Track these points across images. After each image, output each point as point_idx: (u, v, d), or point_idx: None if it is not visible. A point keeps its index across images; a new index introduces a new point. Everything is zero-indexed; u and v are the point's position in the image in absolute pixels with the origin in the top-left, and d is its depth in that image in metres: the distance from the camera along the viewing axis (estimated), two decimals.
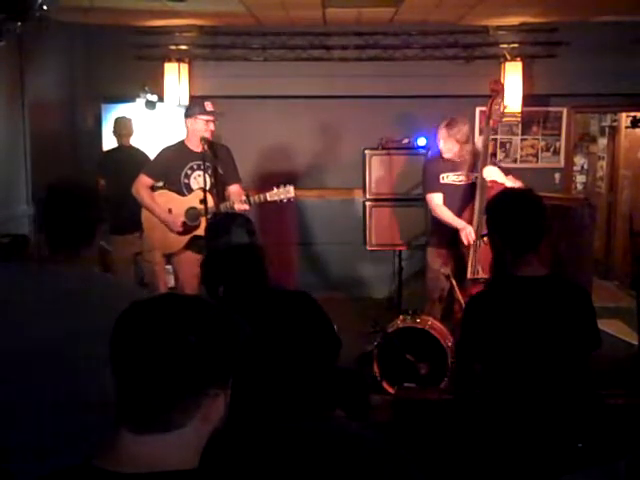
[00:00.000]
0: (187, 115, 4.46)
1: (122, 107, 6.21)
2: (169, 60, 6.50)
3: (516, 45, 6.47)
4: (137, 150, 5.58)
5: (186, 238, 4.43)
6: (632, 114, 7.06)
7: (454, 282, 4.18)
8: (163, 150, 4.57)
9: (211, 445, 1.13)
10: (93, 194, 2.14)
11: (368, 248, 5.89)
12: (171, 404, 1.08)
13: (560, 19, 6.21)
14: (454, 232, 4.39)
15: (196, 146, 4.39)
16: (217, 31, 6.56)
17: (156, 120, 6.28)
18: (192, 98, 4.53)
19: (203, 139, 4.29)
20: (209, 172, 4.32)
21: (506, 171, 4.44)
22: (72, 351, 1.90)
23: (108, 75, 6.42)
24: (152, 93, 6.04)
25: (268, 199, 4.28)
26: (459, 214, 4.45)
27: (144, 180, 4.47)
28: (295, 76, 6.51)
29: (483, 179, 4.26)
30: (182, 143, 4.51)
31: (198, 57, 6.62)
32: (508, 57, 6.41)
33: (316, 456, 0.95)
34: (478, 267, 4.17)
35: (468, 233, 4.26)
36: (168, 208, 4.45)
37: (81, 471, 1.09)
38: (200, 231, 4.30)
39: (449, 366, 4.17)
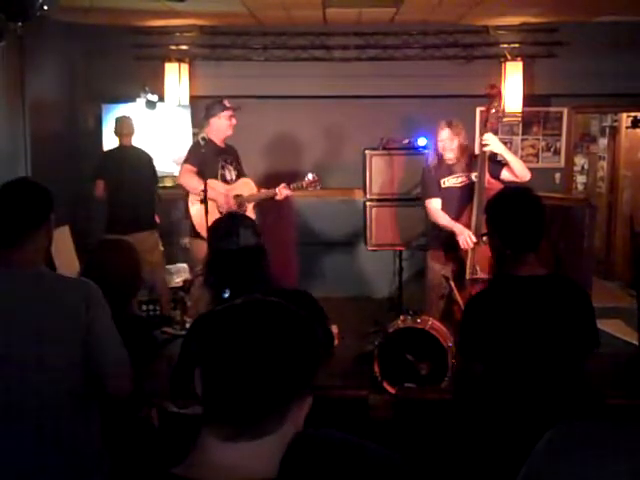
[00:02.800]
0: (210, 115, 4.72)
1: (122, 107, 6.21)
2: (169, 60, 6.51)
3: (516, 45, 6.47)
4: (138, 150, 5.57)
5: None
6: (632, 114, 7.06)
7: (453, 284, 4.17)
8: (195, 143, 4.76)
9: (289, 457, 1.11)
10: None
11: (368, 248, 5.89)
12: (266, 412, 1.06)
13: (560, 19, 6.21)
14: (453, 234, 4.38)
15: (220, 140, 4.76)
16: (217, 31, 6.56)
17: (156, 120, 6.28)
18: (214, 100, 4.78)
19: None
20: (234, 165, 4.82)
21: (503, 164, 4.44)
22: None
23: (108, 75, 6.42)
24: (152, 93, 6.03)
25: (304, 186, 4.81)
26: (458, 215, 4.45)
27: (189, 167, 4.64)
28: (295, 76, 6.51)
29: (481, 181, 4.26)
30: (208, 139, 4.64)
31: (198, 57, 6.63)
32: (508, 57, 6.41)
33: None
34: (476, 267, 4.16)
35: (467, 237, 4.25)
36: (227, 194, 4.73)
37: (157, 478, 1.08)
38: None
39: (449, 366, 4.17)
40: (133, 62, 6.45)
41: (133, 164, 5.41)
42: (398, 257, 5.70)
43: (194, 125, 6.35)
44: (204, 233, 4.52)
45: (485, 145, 4.28)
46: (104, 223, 5.49)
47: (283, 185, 4.78)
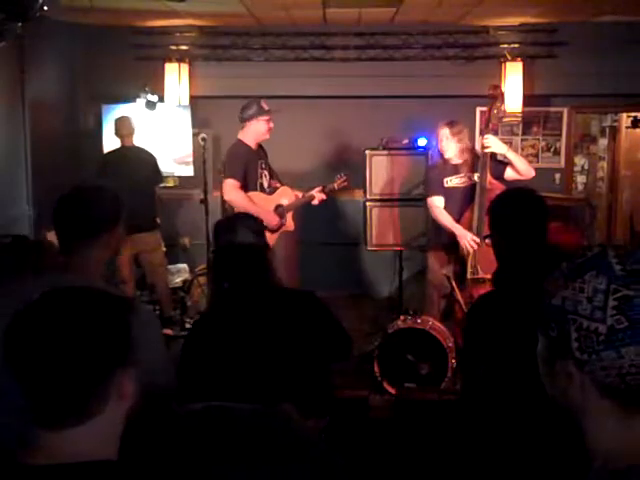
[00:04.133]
0: (248, 117, 4.52)
1: (122, 107, 6.21)
2: (169, 60, 6.51)
3: (516, 45, 6.47)
4: (140, 150, 5.55)
5: (277, 235, 4.57)
6: (632, 114, 7.06)
7: (454, 284, 4.17)
8: (234, 152, 4.54)
9: (130, 434, 1.13)
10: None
11: (368, 248, 5.89)
12: (80, 396, 1.07)
13: (560, 19, 6.21)
14: (454, 234, 4.38)
15: (255, 143, 4.59)
16: (217, 31, 6.56)
17: (156, 120, 6.28)
18: (250, 100, 4.63)
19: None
20: (267, 168, 4.66)
21: (505, 163, 4.44)
22: None
23: (108, 75, 6.42)
24: (152, 93, 6.03)
25: (336, 187, 4.83)
26: (461, 216, 4.45)
27: (234, 184, 4.41)
28: (295, 76, 6.50)
29: (482, 182, 4.26)
30: (244, 144, 4.54)
31: (198, 57, 6.62)
32: (508, 57, 6.41)
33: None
34: (477, 267, 4.16)
35: (469, 240, 4.24)
36: (276, 205, 4.64)
37: (3, 464, 1.09)
38: (287, 227, 4.65)
39: (450, 366, 4.17)
40: (133, 62, 6.45)
41: (134, 164, 5.40)
42: (398, 257, 5.69)
43: (194, 125, 6.35)
44: None
45: (486, 147, 4.28)
46: None
47: (318, 189, 4.72)
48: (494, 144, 4.29)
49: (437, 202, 4.55)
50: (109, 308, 1.14)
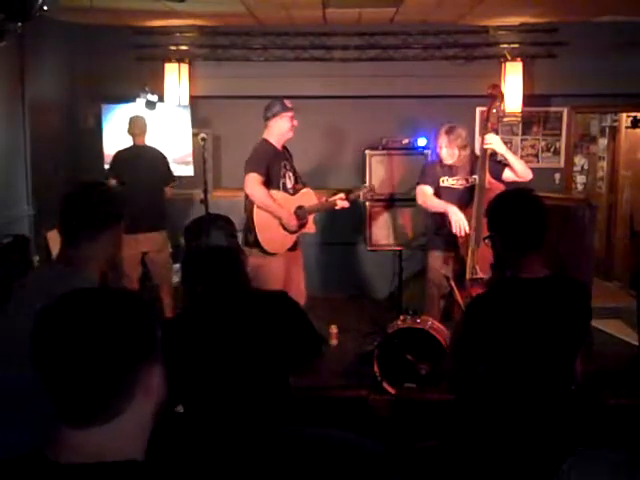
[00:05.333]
0: (271, 115, 4.45)
1: (122, 107, 6.21)
2: (169, 60, 6.51)
3: (516, 45, 6.47)
4: (152, 149, 5.55)
5: (295, 236, 4.52)
6: (632, 114, 7.06)
7: (453, 284, 4.17)
8: (259, 149, 4.46)
9: (158, 437, 1.13)
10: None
11: (368, 248, 5.89)
12: (104, 395, 1.08)
13: (560, 19, 6.21)
14: (453, 235, 4.38)
15: (280, 143, 4.51)
16: (217, 31, 6.56)
17: (156, 120, 6.28)
18: (273, 100, 4.53)
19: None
20: (292, 169, 4.58)
21: (504, 164, 4.44)
22: None
23: (108, 75, 6.42)
24: (152, 93, 6.03)
25: (361, 198, 4.71)
26: None
27: (257, 178, 4.31)
28: (295, 76, 6.51)
29: (481, 182, 4.25)
30: (269, 143, 4.48)
31: (198, 57, 6.63)
32: (508, 57, 6.41)
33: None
34: (476, 267, 4.16)
35: (460, 221, 4.25)
36: (295, 207, 4.52)
37: (30, 460, 1.09)
38: (308, 229, 4.57)
39: None
40: (133, 62, 6.45)
41: (144, 163, 5.40)
42: (398, 257, 5.70)
43: (194, 125, 6.35)
44: (270, 247, 4.37)
45: (487, 144, 4.28)
46: None
47: (341, 196, 4.60)
48: (495, 142, 4.29)
49: (426, 189, 4.54)
50: (133, 306, 1.15)
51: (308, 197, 4.58)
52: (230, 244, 2.56)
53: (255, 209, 4.34)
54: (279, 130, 4.45)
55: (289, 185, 4.52)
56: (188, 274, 2.48)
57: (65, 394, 1.08)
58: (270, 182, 4.43)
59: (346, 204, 4.59)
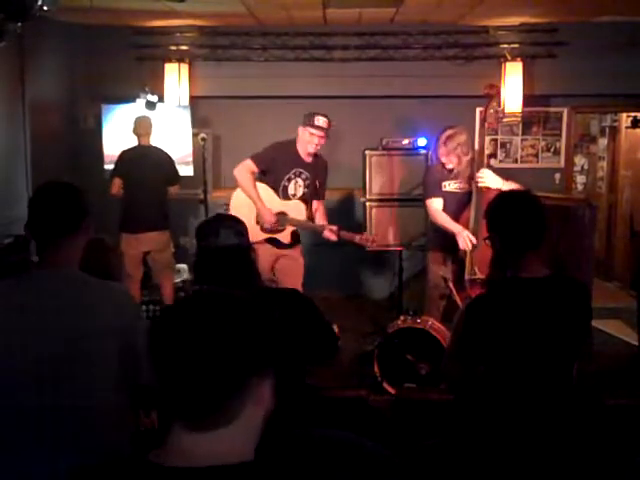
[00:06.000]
0: (301, 123, 4.48)
1: (122, 107, 6.21)
2: (169, 60, 6.51)
3: (516, 45, 6.47)
4: (157, 149, 5.55)
5: (265, 236, 4.52)
6: (632, 114, 7.06)
7: (451, 286, 4.17)
8: (276, 144, 4.54)
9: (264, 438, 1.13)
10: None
11: (368, 248, 5.89)
12: (223, 398, 1.08)
13: (560, 19, 6.22)
14: (453, 235, 4.39)
15: (303, 153, 4.50)
16: (217, 31, 6.56)
17: (156, 120, 6.28)
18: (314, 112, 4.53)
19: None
20: (307, 182, 4.55)
21: (506, 172, 4.44)
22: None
23: (108, 75, 6.42)
24: (152, 93, 6.03)
25: (356, 241, 4.44)
26: (457, 219, 4.45)
27: (250, 165, 4.45)
28: (295, 76, 6.51)
29: (477, 182, 4.26)
30: (293, 145, 4.51)
31: (198, 57, 6.63)
32: (508, 57, 6.41)
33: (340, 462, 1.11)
34: (475, 268, 4.16)
35: (465, 237, 4.24)
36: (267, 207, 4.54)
37: (134, 465, 1.09)
38: (281, 237, 4.53)
39: None
40: (133, 62, 6.45)
41: (149, 163, 5.41)
42: (398, 257, 5.70)
43: (194, 125, 6.35)
44: None
45: (481, 181, 4.26)
46: (109, 222, 5.49)
47: (332, 228, 4.44)
48: (489, 179, 4.27)
49: (436, 204, 4.54)
50: (260, 316, 1.14)
51: (296, 209, 4.54)
52: (240, 242, 2.57)
53: (236, 191, 4.53)
54: (301, 139, 4.49)
55: (291, 192, 4.53)
56: (199, 274, 2.48)
57: (186, 396, 1.08)
58: (270, 179, 4.47)
59: (334, 237, 4.44)
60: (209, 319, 1.09)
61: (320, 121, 4.43)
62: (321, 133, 4.43)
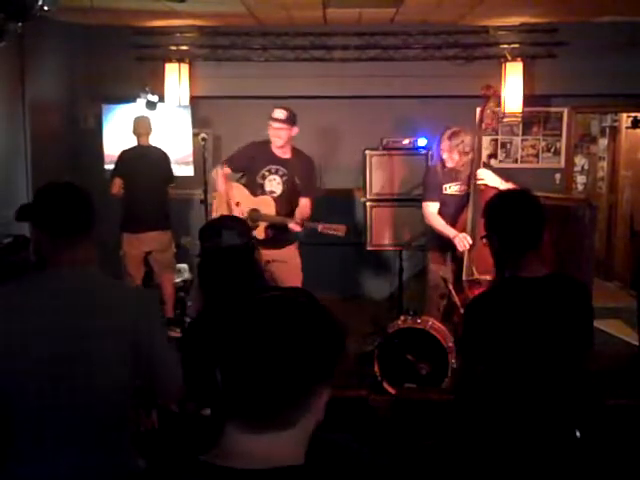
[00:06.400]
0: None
1: (122, 107, 6.21)
2: (169, 60, 6.51)
3: (516, 45, 6.47)
4: (156, 149, 5.55)
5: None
6: (632, 114, 7.06)
7: (450, 286, 4.17)
8: (250, 143, 4.71)
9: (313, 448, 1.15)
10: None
11: (368, 248, 5.89)
12: (287, 405, 1.09)
13: (560, 19, 6.21)
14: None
15: (277, 149, 4.58)
16: (217, 31, 6.56)
17: (156, 120, 6.28)
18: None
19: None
20: (285, 179, 4.58)
21: (506, 173, 4.44)
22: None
23: (108, 75, 6.42)
24: (153, 93, 6.03)
25: (319, 230, 4.47)
26: (456, 220, 4.46)
27: (221, 168, 4.64)
28: (295, 76, 6.51)
29: (476, 181, 4.26)
30: (268, 143, 4.59)
31: (199, 57, 6.63)
32: (508, 57, 6.41)
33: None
34: (472, 268, 4.16)
35: (462, 239, 4.24)
36: (237, 201, 4.61)
37: (190, 466, 1.10)
38: (255, 233, 4.47)
39: (449, 366, 4.17)
40: (133, 62, 6.45)
41: (148, 163, 5.41)
42: (398, 257, 5.70)
43: (194, 125, 6.35)
44: None
45: (480, 180, 4.27)
46: (111, 222, 5.49)
47: (295, 221, 4.47)
48: (487, 178, 4.28)
49: (431, 208, 4.55)
50: (330, 328, 1.15)
51: (265, 204, 4.58)
52: (243, 242, 2.57)
53: (216, 199, 4.71)
54: (269, 135, 4.58)
55: (268, 189, 4.59)
56: (203, 275, 2.48)
57: (254, 399, 1.08)
58: (248, 178, 4.59)
59: (298, 228, 4.49)
60: (285, 325, 1.10)
61: (277, 113, 4.53)
62: (279, 125, 4.50)
